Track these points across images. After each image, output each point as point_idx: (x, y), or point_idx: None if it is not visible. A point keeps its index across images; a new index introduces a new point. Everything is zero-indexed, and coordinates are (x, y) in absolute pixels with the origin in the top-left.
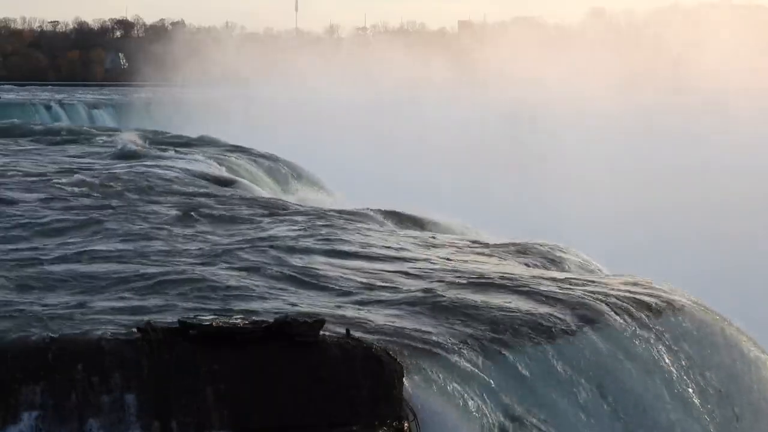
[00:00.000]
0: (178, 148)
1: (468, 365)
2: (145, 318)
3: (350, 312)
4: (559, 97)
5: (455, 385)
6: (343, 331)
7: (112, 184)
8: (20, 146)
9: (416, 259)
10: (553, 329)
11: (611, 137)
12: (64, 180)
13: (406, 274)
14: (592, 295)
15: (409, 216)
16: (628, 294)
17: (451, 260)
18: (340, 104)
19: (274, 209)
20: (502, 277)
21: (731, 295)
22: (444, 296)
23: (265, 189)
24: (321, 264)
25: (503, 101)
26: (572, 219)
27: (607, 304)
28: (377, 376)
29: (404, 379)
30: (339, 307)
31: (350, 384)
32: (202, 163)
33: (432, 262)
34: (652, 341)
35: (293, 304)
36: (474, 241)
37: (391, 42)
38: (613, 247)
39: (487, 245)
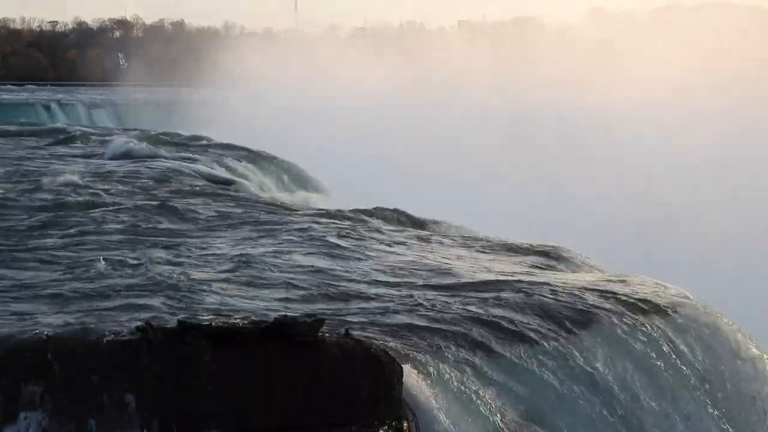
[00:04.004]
0: (176, 148)
1: (468, 365)
2: (145, 318)
3: (350, 312)
4: (562, 97)
5: (455, 385)
6: (342, 331)
7: (110, 183)
8: (19, 146)
9: (416, 259)
10: (555, 329)
11: (617, 137)
12: (61, 180)
13: (406, 274)
14: (592, 295)
15: (409, 216)
16: (629, 294)
17: (451, 260)
18: (340, 104)
19: (273, 209)
20: (502, 277)
21: (731, 295)
22: (444, 296)
23: (264, 189)
24: (320, 264)
25: (505, 100)
26: (573, 219)
27: (608, 305)
28: (377, 377)
29: (403, 380)
30: (338, 307)
31: (350, 384)
32: (201, 163)
33: (432, 263)
34: (653, 341)
35: (293, 304)
36: (475, 242)
37: (390, 41)
38: (614, 247)
39: (487, 245)
